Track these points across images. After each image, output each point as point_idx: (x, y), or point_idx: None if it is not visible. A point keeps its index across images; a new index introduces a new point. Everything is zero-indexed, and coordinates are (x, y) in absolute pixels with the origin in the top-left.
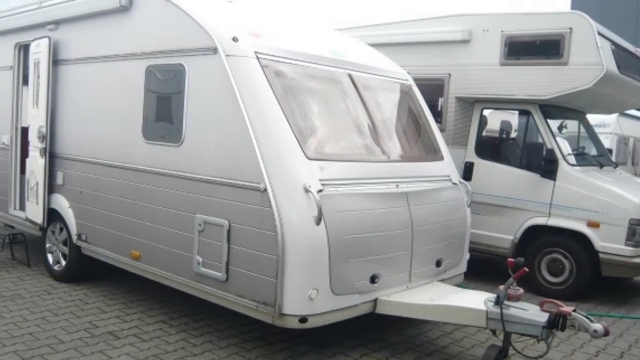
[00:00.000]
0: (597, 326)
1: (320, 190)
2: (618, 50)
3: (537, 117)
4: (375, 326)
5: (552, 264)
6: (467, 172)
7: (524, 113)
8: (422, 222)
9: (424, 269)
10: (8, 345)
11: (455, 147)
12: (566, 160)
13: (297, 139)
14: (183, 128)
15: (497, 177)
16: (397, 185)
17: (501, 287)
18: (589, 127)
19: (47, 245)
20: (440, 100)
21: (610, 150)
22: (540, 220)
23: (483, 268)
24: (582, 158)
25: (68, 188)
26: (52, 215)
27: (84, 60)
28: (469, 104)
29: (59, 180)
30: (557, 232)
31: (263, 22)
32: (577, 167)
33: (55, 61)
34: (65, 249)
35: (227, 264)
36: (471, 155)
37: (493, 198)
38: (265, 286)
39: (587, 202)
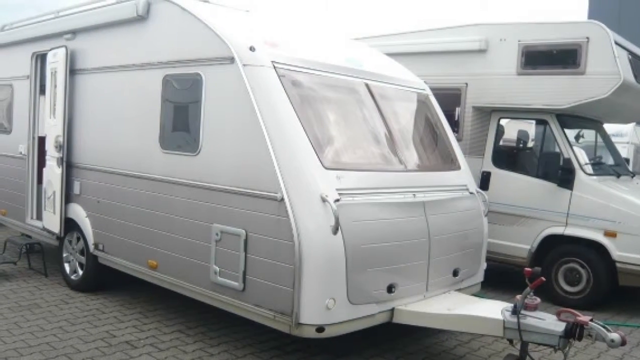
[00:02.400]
0: (614, 336)
1: (337, 200)
2: (635, 59)
3: (554, 126)
4: (392, 336)
5: (569, 274)
6: (484, 181)
7: (541, 122)
8: (439, 232)
9: (441, 279)
10: (25, 355)
11: (472, 157)
12: (583, 170)
13: (314, 148)
14: (200, 137)
15: (514, 186)
16: (414, 194)
17: (518, 296)
18: (605, 137)
19: (64, 255)
20: (457, 109)
21: (627, 160)
22: (557, 230)
23: (500, 278)
24: (599, 167)
25: (85, 197)
26: (69, 225)
27: (101, 69)
28: (486, 113)
29: (76, 189)
30: (574, 241)
31: (280, 32)
32: (594, 177)
33: (72, 71)
34: (82, 259)
35: (244, 273)
36: (488, 165)
37: (510, 207)
38: (283, 296)
39: (604, 211)
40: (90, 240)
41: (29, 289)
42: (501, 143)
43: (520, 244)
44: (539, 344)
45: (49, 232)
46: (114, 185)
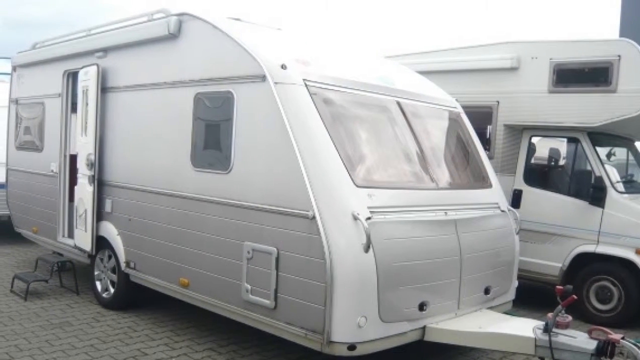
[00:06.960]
0: None
1: (369, 218)
2: None
3: (586, 144)
4: (423, 354)
5: (600, 292)
6: (516, 199)
7: (572, 140)
8: (470, 250)
9: (472, 297)
10: None
11: (503, 175)
12: (615, 188)
13: (345, 166)
14: (232, 155)
15: (546, 204)
16: (445, 212)
17: (550, 314)
18: (637, 155)
19: (96, 273)
20: (489, 127)
21: None
22: (589, 248)
23: (532, 295)
24: (630, 185)
25: (116, 215)
26: (101, 243)
27: (132, 87)
28: (518, 131)
29: (108, 207)
30: (606, 259)
31: (311, 50)
32: (626, 195)
33: (104, 89)
34: (114, 277)
35: (276, 291)
36: (520, 183)
37: (541, 225)
38: (314, 313)
39: (636, 229)
40: (122, 258)
41: (61, 307)
42: (533, 161)
43: (552, 262)
44: None
45: (81, 250)
46: (145, 203)
